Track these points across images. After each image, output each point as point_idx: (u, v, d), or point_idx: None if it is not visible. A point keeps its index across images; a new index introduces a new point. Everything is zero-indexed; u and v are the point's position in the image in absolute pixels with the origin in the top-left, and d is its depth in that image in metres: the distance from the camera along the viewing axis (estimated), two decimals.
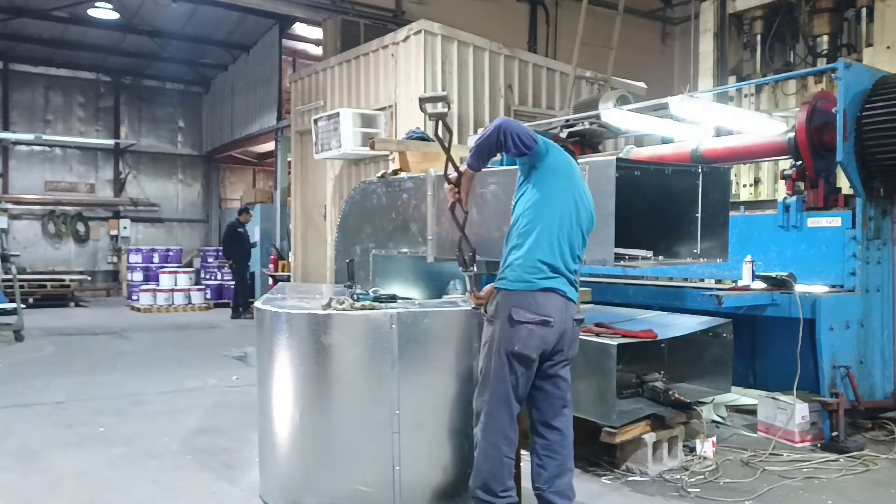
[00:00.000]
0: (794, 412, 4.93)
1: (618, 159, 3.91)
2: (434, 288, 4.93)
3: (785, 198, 5.56)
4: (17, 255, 12.44)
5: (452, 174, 3.67)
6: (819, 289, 5.22)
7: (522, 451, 3.65)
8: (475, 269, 3.82)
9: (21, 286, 11.24)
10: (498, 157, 6.29)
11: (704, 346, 4.99)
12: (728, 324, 4.93)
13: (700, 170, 4.53)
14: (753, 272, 5.38)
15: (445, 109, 3.62)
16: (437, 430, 3.67)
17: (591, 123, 7.11)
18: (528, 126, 3.47)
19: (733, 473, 4.39)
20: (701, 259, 4.55)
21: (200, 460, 4.67)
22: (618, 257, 3.93)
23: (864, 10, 7.90)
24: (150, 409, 6.09)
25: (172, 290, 14.52)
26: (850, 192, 5.32)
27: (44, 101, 17.54)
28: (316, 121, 9.05)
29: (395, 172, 5.36)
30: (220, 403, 6.29)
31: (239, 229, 13.34)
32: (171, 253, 16.72)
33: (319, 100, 10.20)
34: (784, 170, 5.90)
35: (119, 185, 18.44)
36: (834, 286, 5.25)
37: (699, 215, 4.47)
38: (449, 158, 3.68)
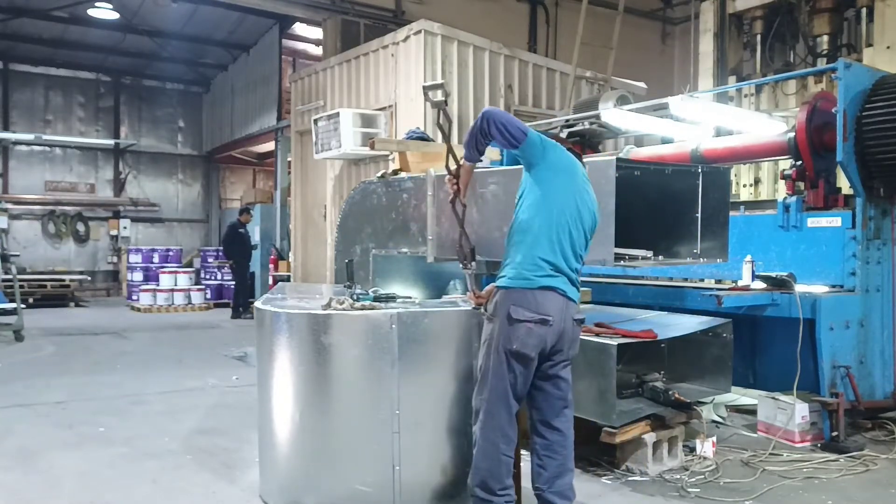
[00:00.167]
0: (794, 412, 4.93)
1: (618, 159, 3.91)
2: (434, 288, 4.93)
3: (785, 198, 5.56)
4: (17, 255, 12.44)
5: (452, 165, 3.69)
6: (819, 289, 5.22)
7: (523, 451, 3.66)
8: (475, 265, 3.82)
9: (21, 286, 11.24)
10: (498, 156, 6.35)
11: (704, 346, 4.99)
12: (728, 324, 4.93)
13: (700, 170, 4.53)
14: (753, 272, 5.38)
15: (443, 97, 3.70)
16: (437, 430, 3.66)
17: (591, 123, 7.11)
18: (529, 125, 3.47)
19: (733, 473, 4.39)
20: (701, 259, 4.55)
21: (200, 460, 4.67)
22: (618, 257, 3.94)
23: (864, 10, 7.89)
24: (150, 409, 6.09)
25: (172, 290, 14.52)
26: (850, 192, 5.32)
27: (44, 101, 17.55)
28: (316, 121, 9.05)
29: (395, 172, 5.36)
30: (220, 403, 6.29)
31: (240, 230, 13.35)
32: (171, 253, 16.72)
33: (319, 100, 10.20)
34: (784, 170, 5.90)
35: (119, 185, 18.44)
36: (834, 286, 5.25)
37: (699, 215, 4.48)
38: (449, 148, 3.69)
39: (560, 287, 3.34)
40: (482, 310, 3.52)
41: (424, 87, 3.83)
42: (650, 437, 4.36)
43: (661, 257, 4.38)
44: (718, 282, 6.16)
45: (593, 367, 4.17)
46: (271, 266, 13.58)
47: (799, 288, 5.07)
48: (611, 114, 6.67)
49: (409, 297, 4.27)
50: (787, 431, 4.95)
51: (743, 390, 5.77)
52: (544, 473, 3.44)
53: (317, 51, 14.56)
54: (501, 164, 6.23)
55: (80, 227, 17.82)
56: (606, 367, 4.15)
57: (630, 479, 4.30)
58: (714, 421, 5.46)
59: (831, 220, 5.28)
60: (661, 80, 12.75)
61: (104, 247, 18.25)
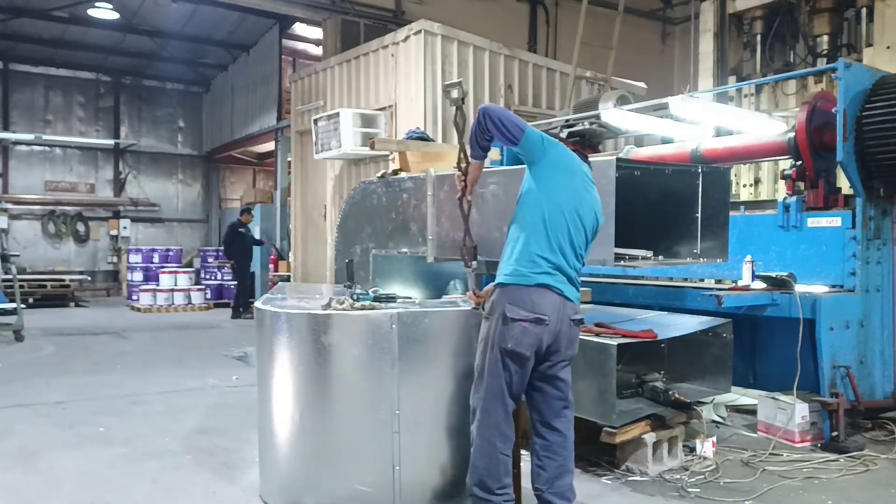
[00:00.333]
0: (794, 412, 4.93)
1: (618, 159, 3.91)
2: (434, 288, 4.93)
3: (785, 198, 5.56)
4: (17, 255, 12.45)
5: (463, 163, 3.71)
6: (819, 289, 5.22)
7: (523, 451, 3.66)
8: (476, 264, 3.82)
9: (21, 286, 11.24)
10: (498, 156, 6.35)
11: (704, 346, 4.99)
12: (728, 324, 4.93)
13: (700, 170, 4.53)
14: (753, 272, 5.38)
15: (460, 95, 3.74)
16: (437, 430, 3.67)
17: (591, 123, 7.08)
18: (530, 125, 3.48)
19: (733, 473, 4.39)
20: (701, 259, 4.55)
21: (200, 460, 4.67)
22: (618, 257, 3.94)
23: (864, 10, 7.89)
24: (150, 409, 6.09)
25: (172, 290, 14.52)
26: (850, 192, 5.31)
27: (44, 101, 17.55)
28: (316, 121, 9.05)
29: (395, 172, 5.36)
30: (220, 403, 6.29)
31: (240, 229, 13.34)
32: (171, 253, 16.72)
33: (319, 100, 10.21)
34: (784, 170, 5.90)
35: (119, 185, 18.44)
36: (834, 286, 5.25)
37: (699, 215, 4.48)
38: (461, 146, 3.71)
39: (557, 285, 3.33)
40: (481, 309, 3.52)
41: (444, 86, 3.90)
42: (650, 437, 4.36)
43: (661, 257, 4.39)
44: (718, 282, 6.16)
45: (593, 367, 4.17)
46: (271, 266, 13.58)
47: (799, 288, 5.07)
48: (611, 114, 6.66)
49: (409, 297, 4.27)
50: (787, 431, 4.95)
51: (743, 390, 5.77)
52: (544, 474, 3.44)
53: (317, 51, 14.57)
54: (501, 164, 6.23)
55: (80, 227, 17.83)
56: (606, 367, 4.15)
57: (630, 479, 4.30)
58: (714, 421, 5.46)
59: (831, 220, 5.28)
60: (661, 80, 12.75)
61: (104, 247, 18.25)
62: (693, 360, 5.01)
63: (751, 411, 5.56)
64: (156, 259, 16.28)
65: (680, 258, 4.56)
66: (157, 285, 14.67)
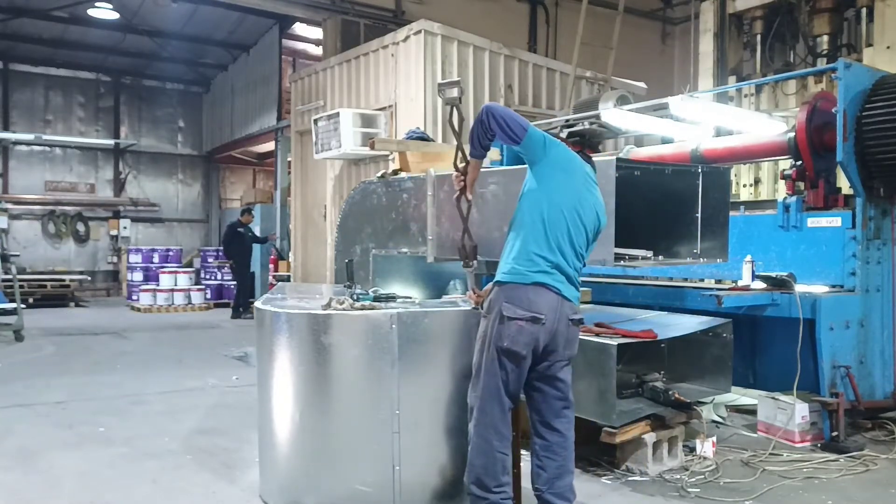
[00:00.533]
0: (794, 412, 4.93)
1: (618, 159, 3.91)
2: (434, 288, 4.93)
3: (785, 198, 5.56)
4: (17, 255, 12.44)
5: (461, 163, 3.70)
6: (819, 289, 5.22)
7: (523, 451, 3.66)
8: (475, 264, 3.82)
9: (21, 286, 11.24)
10: (498, 156, 6.34)
11: (704, 346, 4.99)
12: (728, 324, 4.93)
13: (700, 170, 4.53)
14: (753, 272, 5.38)
15: (458, 95, 3.72)
16: (437, 430, 3.66)
17: (591, 123, 7.09)
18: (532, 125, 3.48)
19: (733, 473, 4.39)
20: (701, 259, 4.55)
21: (200, 460, 4.67)
22: (618, 257, 3.94)
23: (864, 10, 7.89)
24: (150, 409, 6.09)
25: (172, 290, 14.52)
26: (850, 192, 5.31)
27: (44, 101, 17.55)
28: (316, 121, 9.05)
29: (395, 172, 5.36)
30: (220, 403, 6.29)
31: (239, 229, 13.34)
32: (171, 253, 16.72)
33: (319, 100, 10.20)
34: (784, 170, 5.90)
35: (119, 185, 18.44)
36: (834, 286, 5.25)
37: (699, 215, 4.48)
38: (459, 145, 3.70)
39: (555, 285, 3.32)
40: (481, 308, 3.52)
41: (440, 85, 3.85)
42: (650, 437, 4.36)
43: (661, 257, 4.38)
44: (718, 282, 6.16)
45: (593, 367, 4.17)
46: (271, 266, 13.58)
47: (799, 288, 5.07)
48: (611, 114, 6.66)
49: (409, 297, 4.27)
50: (787, 431, 4.95)
51: (743, 390, 5.77)
52: (543, 474, 3.44)
53: (317, 51, 14.56)
54: (501, 164, 6.23)
55: (80, 227, 17.82)
56: (606, 367, 4.15)
57: (630, 479, 4.30)
58: (714, 421, 5.46)
59: (831, 220, 5.28)
60: (661, 80, 12.75)
61: (104, 247, 18.25)
62: (693, 360, 5.01)
63: (751, 411, 5.56)
64: (156, 259, 16.28)
65: (680, 258, 4.56)
66: (157, 285, 14.67)
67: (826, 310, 4.95)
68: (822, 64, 8.04)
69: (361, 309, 3.70)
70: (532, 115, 8.71)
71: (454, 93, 3.74)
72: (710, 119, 6.35)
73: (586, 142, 7.35)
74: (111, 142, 18.15)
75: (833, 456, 4.71)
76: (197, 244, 19.08)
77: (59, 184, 17.69)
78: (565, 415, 3.48)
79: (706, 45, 8.98)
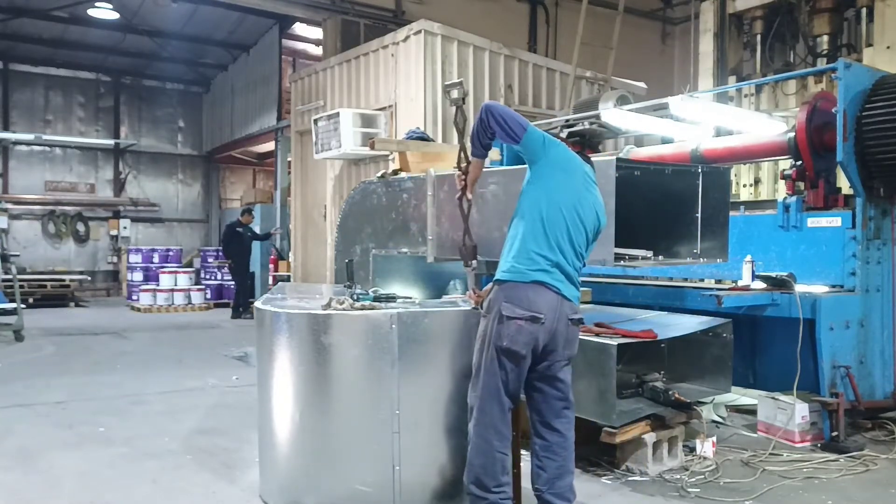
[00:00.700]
0: (794, 412, 4.93)
1: (618, 159, 3.91)
2: (434, 288, 4.93)
3: (785, 198, 5.56)
4: (17, 255, 12.44)
5: (463, 163, 3.71)
6: (819, 289, 5.22)
7: (523, 452, 3.66)
8: (475, 264, 3.82)
9: (21, 286, 11.24)
10: (498, 156, 6.34)
11: (704, 346, 4.99)
12: (728, 324, 4.93)
13: (700, 170, 4.53)
14: (753, 272, 5.38)
15: (461, 95, 3.75)
16: (437, 430, 3.66)
17: (591, 123, 7.10)
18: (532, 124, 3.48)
19: (733, 473, 4.39)
20: (701, 259, 4.55)
21: (200, 460, 4.67)
22: (618, 257, 3.94)
23: (864, 10, 7.89)
24: (150, 409, 6.09)
25: (172, 290, 14.52)
26: (850, 192, 5.31)
27: (44, 101, 17.55)
28: (316, 121, 9.05)
29: (395, 172, 5.36)
30: (220, 403, 6.29)
31: (238, 229, 13.33)
32: (171, 253, 16.72)
33: (319, 100, 10.21)
34: (784, 170, 5.90)
35: (119, 185, 18.44)
36: (834, 286, 5.25)
37: (699, 215, 4.47)
38: (462, 145, 3.71)
39: (554, 283, 3.32)
40: (481, 308, 3.52)
41: (445, 86, 3.91)
42: (650, 437, 4.36)
43: (661, 257, 4.38)
44: (718, 282, 6.16)
45: (593, 367, 4.17)
46: (271, 266, 13.58)
47: (799, 288, 5.07)
48: (611, 114, 6.66)
49: (409, 297, 4.27)
50: (787, 431, 4.95)
51: (743, 390, 5.77)
52: (543, 475, 3.44)
53: (317, 51, 14.56)
54: (501, 164, 6.23)
55: (80, 227, 17.82)
56: (606, 367, 4.15)
57: (630, 479, 4.30)
58: (714, 421, 5.46)
59: (831, 220, 5.28)
60: (661, 80, 12.75)
61: (104, 247, 18.25)
62: (693, 360, 5.01)
63: (751, 411, 5.56)
64: (156, 259, 16.28)
65: (680, 258, 4.56)
66: (157, 285, 14.67)
67: (826, 310, 4.95)
68: (822, 64, 8.04)
69: (361, 309, 3.70)
70: (532, 115, 8.71)
71: (455, 93, 3.77)
72: (710, 119, 6.35)
73: (586, 142, 7.37)
74: (111, 142, 18.15)
75: (833, 456, 4.71)
76: (197, 244, 19.08)
77: (59, 184, 17.69)
78: (565, 415, 3.48)
79: (706, 45, 8.98)
